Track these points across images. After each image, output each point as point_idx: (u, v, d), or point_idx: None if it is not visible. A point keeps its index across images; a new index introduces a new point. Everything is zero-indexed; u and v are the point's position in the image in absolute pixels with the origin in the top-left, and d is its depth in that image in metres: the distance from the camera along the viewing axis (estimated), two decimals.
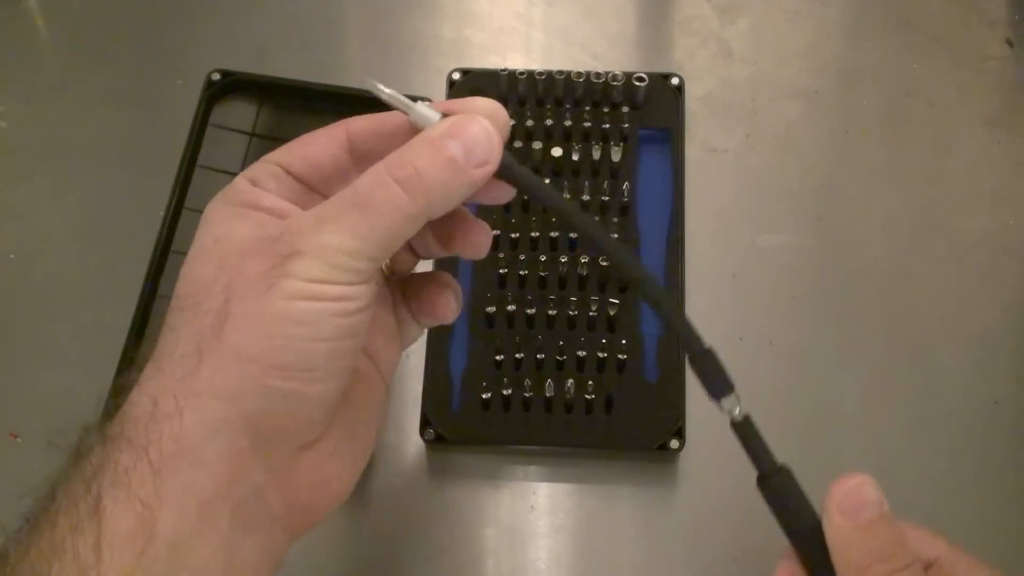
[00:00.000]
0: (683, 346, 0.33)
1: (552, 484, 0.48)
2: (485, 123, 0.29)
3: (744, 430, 0.32)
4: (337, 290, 0.27)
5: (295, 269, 0.27)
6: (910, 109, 0.57)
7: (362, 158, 0.31)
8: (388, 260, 0.34)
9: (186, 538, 0.26)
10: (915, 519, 0.47)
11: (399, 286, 0.36)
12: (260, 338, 0.27)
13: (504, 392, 0.47)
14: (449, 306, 0.35)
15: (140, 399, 0.27)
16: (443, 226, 0.33)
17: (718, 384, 0.33)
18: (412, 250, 0.35)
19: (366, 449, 0.33)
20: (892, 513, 0.32)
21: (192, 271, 0.29)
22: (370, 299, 0.29)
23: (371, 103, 0.56)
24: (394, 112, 0.31)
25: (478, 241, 0.33)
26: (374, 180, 0.28)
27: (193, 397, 0.27)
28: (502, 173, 0.30)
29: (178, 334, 0.28)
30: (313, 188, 0.32)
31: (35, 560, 0.25)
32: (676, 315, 0.32)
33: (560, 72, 0.54)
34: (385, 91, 0.30)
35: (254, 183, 0.31)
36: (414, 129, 0.30)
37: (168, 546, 0.25)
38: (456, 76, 0.56)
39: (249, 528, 0.28)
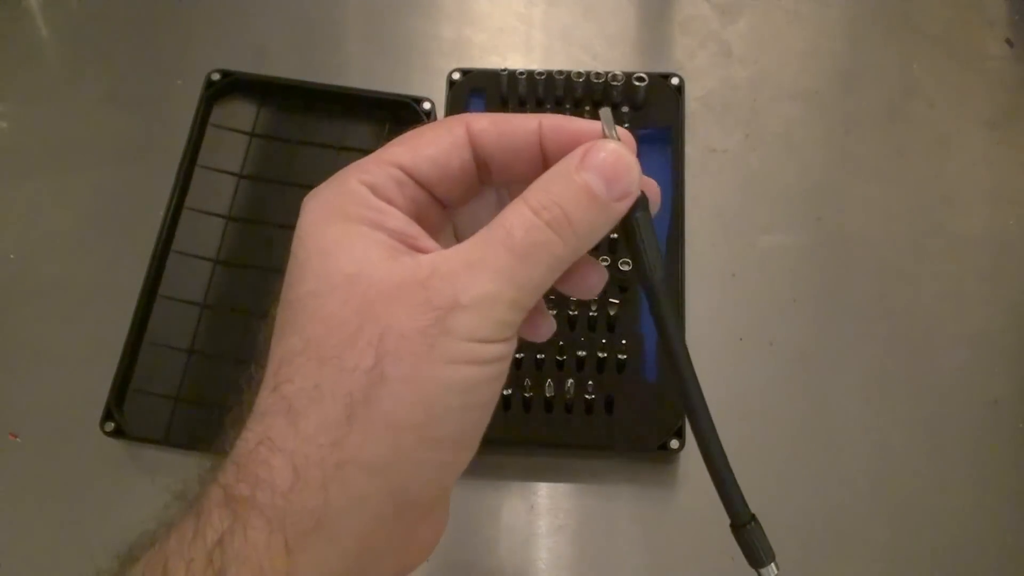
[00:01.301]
0: (728, 512, 0.31)
1: (552, 484, 0.48)
2: (621, 148, 0.26)
3: None
4: (497, 349, 0.25)
5: (457, 326, 0.24)
6: (910, 109, 0.57)
7: (483, 163, 0.28)
8: None
9: None
10: (915, 518, 0.47)
11: None
12: (418, 408, 0.24)
13: (504, 392, 0.47)
14: (547, 324, 0.31)
15: (276, 463, 0.24)
16: None
17: (760, 554, 0.31)
18: None
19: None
20: None
21: (325, 310, 0.25)
22: (513, 352, 0.26)
23: (371, 104, 0.56)
24: (520, 116, 0.28)
25: (591, 282, 0.29)
26: (527, 223, 0.25)
27: (340, 469, 0.24)
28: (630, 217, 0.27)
29: (322, 391, 0.24)
30: (435, 196, 0.28)
31: None
32: (727, 476, 0.31)
33: (560, 72, 0.54)
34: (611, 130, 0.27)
35: (375, 190, 0.26)
36: (541, 137, 0.27)
37: None
38: (456, 76, 0.56)
39: None
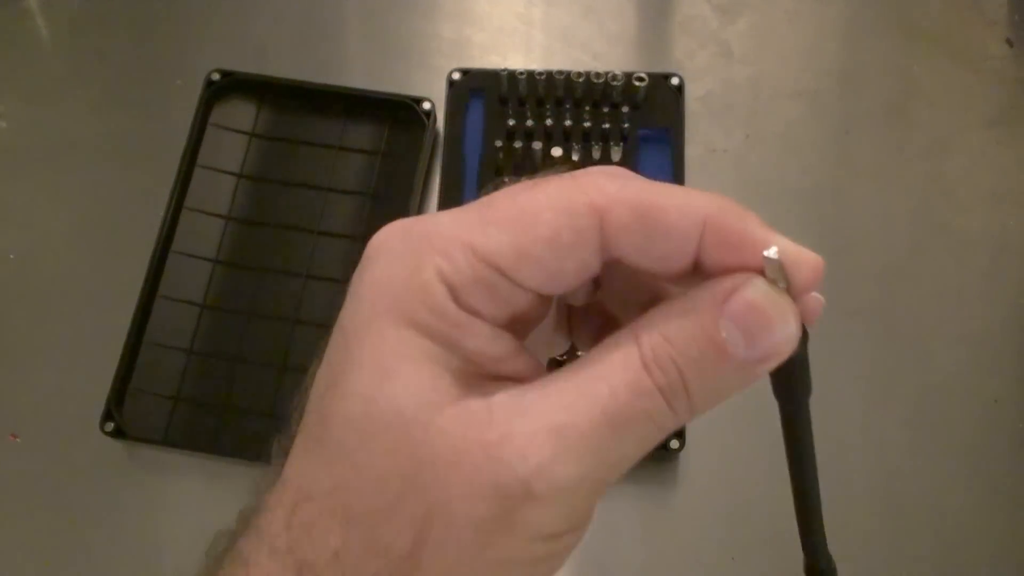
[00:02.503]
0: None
1: None
2: (782, 304, 0.19)
3: None
4: (571, 539, 0.20)
5: (525, 522, 0.18)
6: (910, 109, 0.57)
7: (616, 265, 0.20)
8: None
9: None
10: (915, 518, 0.47)
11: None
12: None
13: None
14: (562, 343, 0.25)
15: None
16: None
17: None
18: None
19: None
20: None
21: (362, 455, 0.19)
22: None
23: (371, 104, 0.56)
24: (674, 203, 0.19)
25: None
26: (635, 386, 0.19)
27: None
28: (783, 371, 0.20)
29: (342, 566, 0.19)
30: (534, 310, 0.21)
31: None
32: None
33: (560, 72, 0.54)
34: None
35: (455, 294, 0.19)
36: (704, 236, 0.19)
37: None
38: (456, 76, 0.56)
39: None
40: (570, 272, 0.19)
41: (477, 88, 0.55)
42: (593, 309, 0.24)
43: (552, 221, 0.19)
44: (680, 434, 0.47)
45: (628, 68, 0.55)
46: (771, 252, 0.18)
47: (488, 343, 0.20)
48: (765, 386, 0.49)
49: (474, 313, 0.19)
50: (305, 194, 0.54)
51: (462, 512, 0.18)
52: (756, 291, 0.18)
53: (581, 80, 0.54)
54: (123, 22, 0.61)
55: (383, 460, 0.19)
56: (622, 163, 0.53)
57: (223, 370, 0.50)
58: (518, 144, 0.53)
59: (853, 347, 0.51)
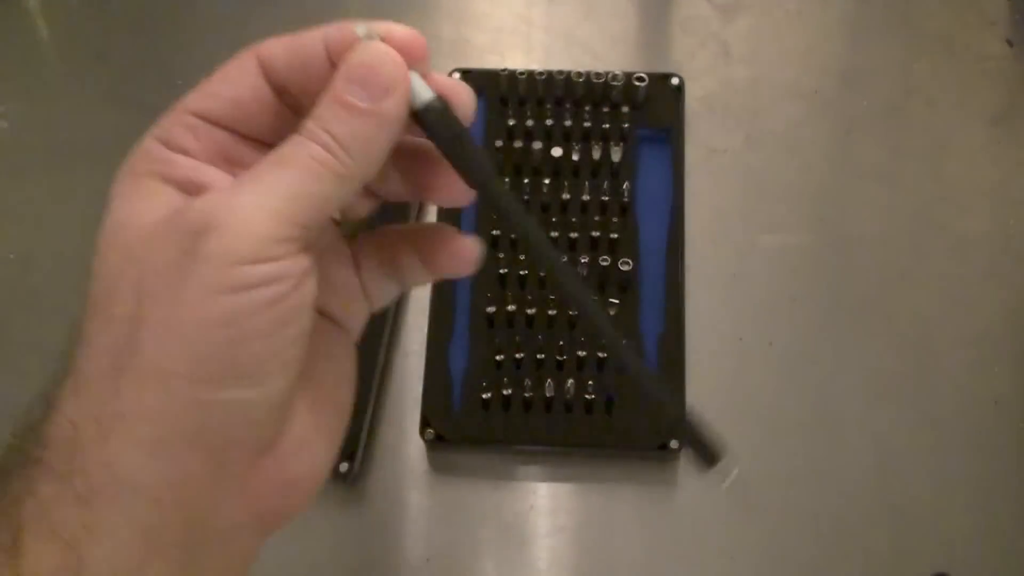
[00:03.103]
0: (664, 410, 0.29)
1: (552, 484, 0.48)
2: (378, 49, 0.24)
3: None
4: (264, 270, 0.22)
5: (211, 249, 0.22)
6: (910, 109, 0.57)
7: (284, 90, 0.26)
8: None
9: (126, 573, 0.23)
10: (915, 518, 0.47)
11: (367, 238, 0.30)
12: (180, 348, 0.22)
13: (504, 392, 0.47)
14: (471, 252, 0.29)
15: (60, 421, 0.23)
16: (411, 169, 0.28)
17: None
18: (372, 193, 0.29)
19: (341, 421, 0.28)
20: None
21: (97, 266, 0.24)
22: (304, 274, 0.24)
23: None
24: (307, 34, 0.26)
25: (462, 255, 0.28)
26: (292, 142, 0.24)
27: (117, 420, 0.23)
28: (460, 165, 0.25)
29: (92, 347, 0.24)
30: (243, 134, 0.26)
31: None
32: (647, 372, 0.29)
33: (560, 72, 0.54)
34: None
35: (167, 143, 0.25)
36: (328, 51, 0.25)
37: None
38: (456, 76, 0.56)
39: (209, 546, 0.24)
40: (250, 101, 0.25)
41: (477, 88, 0.55)
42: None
43: (225, 71, 0.26)
44: (680, 434, 0.47)
45: (628, 68, 0.55)
46: (360, 27, 0.25)
47: (196, 171, 0.25)
48: (765, 387, 0.49)
49: (182, 151, 0.25)
50: None
51: (161, 260, 0.22)
52: (356, 52, 0.24)
53: (581, 80, 0.54)
54: (123, 22, 0.61)
55: (107, 260, 0.24)
56: (622, 163, 0.53)
57: None
58: (518, 144, 0.53)
59: (853, 347, 0.51)
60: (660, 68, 0.57)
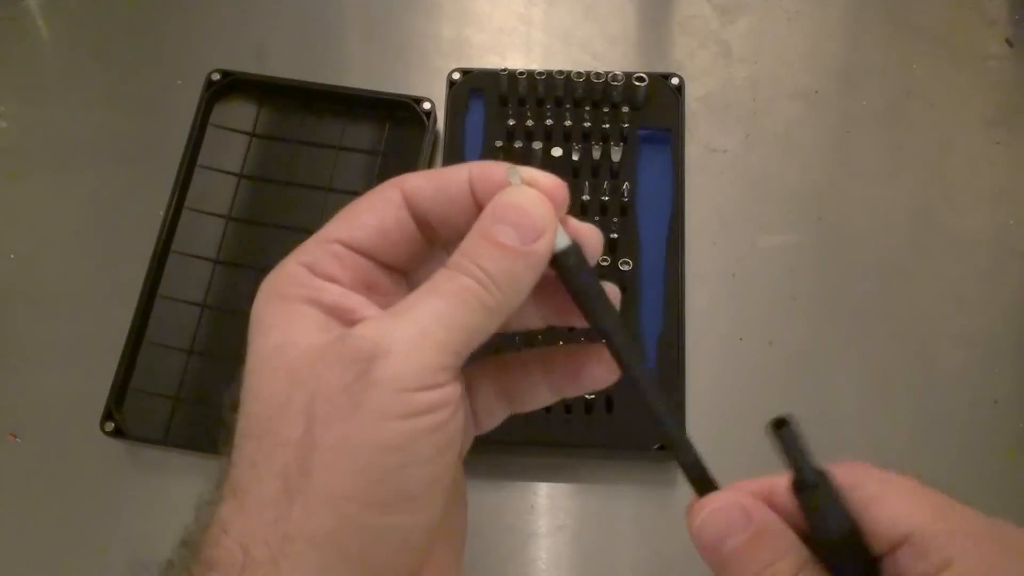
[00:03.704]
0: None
1: (552, 484, 0.48)
2: (529, 194, 0.26)
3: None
4: (430, 397, 0.24)
5: (381, 375, 0.23)
6: (910, 109, 0.57)
7: (425, 222, 0.27)
8: None
9: None
10: None
11: (483, 363, 0.30)
12: (352, 472, 0.23)
13: None
14: (610, 368, 0.29)
15: (226, 543, 0.23)
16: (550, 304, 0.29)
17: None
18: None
19: (463, 543, 0.30)
20: (763, 515, 0.26)
21: (259, 386, 0.24)
22: (460, 401, 0.25)
23: (371, 104, 0.56)
24: (452, 170, 0.27)
25: (600, 374, 0.29)
26: (445, 275, 0.25)
27: (287, 543, 0.23)
28: (558, 262, 0.26)
29: (259, 470, 0.24)
30: (382, 262, 0.27)
31: None
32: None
33: (560, 72, 0.54)
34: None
35: (312, 269, 0.26)
36: (471, 187, 0.27)
37: None
38: (456, 76, 0.56)
39: None
40: (393, 231, 0.27)
41: (477, 88, 0.55)
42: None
43: (369, 201, 0.27)
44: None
45: (628, 68, 0.55)
46: (512, 174, 0.26)
47: (344, 298, 0.26)
48: (765, 387, 0.49)
49: (329, 278, 0.26)
50: (305, 194, 0.54)
51: (332, 383, 0.23)
52: (507, 193, 0.26)
53: (581, 80, 0.54)
54: (123, 22, 0.61)
55: (271, 382, 0.24)
56: (622, 163, 0.53)
57: (223, 370, 0.50)
58: (518, 144, 0.53)
59: (853, 347, 0.51)
60: (660, 68, 0.58)
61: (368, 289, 0.27)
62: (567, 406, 0.48)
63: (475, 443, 0.48)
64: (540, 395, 0.30)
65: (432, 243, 0.28)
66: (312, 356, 0.24)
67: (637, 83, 0.54)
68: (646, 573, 0.47)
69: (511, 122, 0.54)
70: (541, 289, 0.27)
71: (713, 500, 0.27)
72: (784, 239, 0.54)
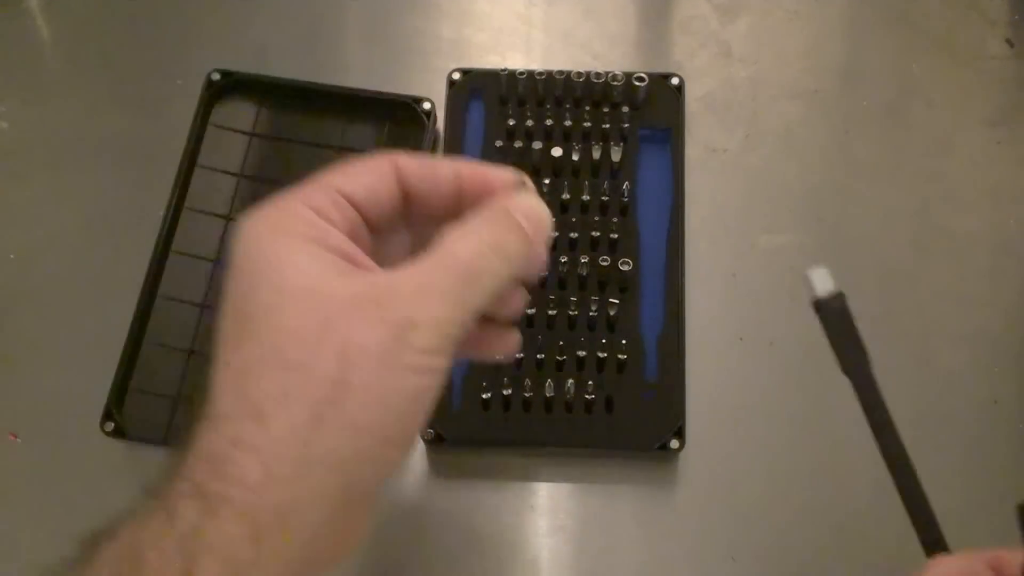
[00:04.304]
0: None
1: (552, 484, 0.48)
2: (538, 200, 0.31)
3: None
4: (443, 362, 0.28)
5: (415, 342, 0.27)
6: (910, 109, 0.57)
7: (407, 197, 0.32)
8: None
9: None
10: None
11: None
12: (379, 412, 0.27)
13: (504, 392, 0.47)
14: (516, 339, 0.35)
15: (246, 460, 0.26)
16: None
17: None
18: None
19: None
20: None
21: (284, 321, 0.27)
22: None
23: (371, 104, 0.56)
24: (445, 161, 0.32)
25: (516, 304, 0.34)
26: (473, 249, 0.29)
27: (307, 467, 0.26)
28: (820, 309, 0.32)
29: (289, 396, 0.26)
30: (366, 218, 0.31)
31: None
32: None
33: (560, 72, 0.54)
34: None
35: (318, 212, 0.29)
36: (460, 180, 0.31)
37: None
38: (456, 76, 0.56)
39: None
40: (382, 193, 0.31)
41: (477, 88, 0.55)
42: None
43: (367, 165, 0.31)
44: (680, 434, 0.47)
45: (628, 68, 0.55)
46: (525, 178, 0.31)
47: (346, 244, 0.29)
48: (765, 387, 0.49)
49: (331, 223, 0.29)
50: None
51: (369, 340, 0.27)
52: (525, 195, 0.31)
53: (581, 80, 0.54)
54: (123, 22, 0.61)
55: (301, 320, 0.27)
56: (622, 163, 0.53)
57: None
58: (518, 144, 0.53)
59: None
60: (660, 68, 0.58)
61: (355, 240, 0.30)
62: (568, 405, 0.48)
63: (475, 443, 0.48)
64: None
65: (405, 215, 0.32)
66: (345, 305, 0.27)
67: (637, 83, 0.54)
68: (646, 573, 0.47)
69: (511, 122, 0.54)
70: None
71: (946, 562, 0.31)
72: (784, 239, 0.54)
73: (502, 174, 0.31)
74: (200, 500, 0.26)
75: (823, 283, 0.29)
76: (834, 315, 0.30)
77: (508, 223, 0.30)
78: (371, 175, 0.31)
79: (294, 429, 0.26)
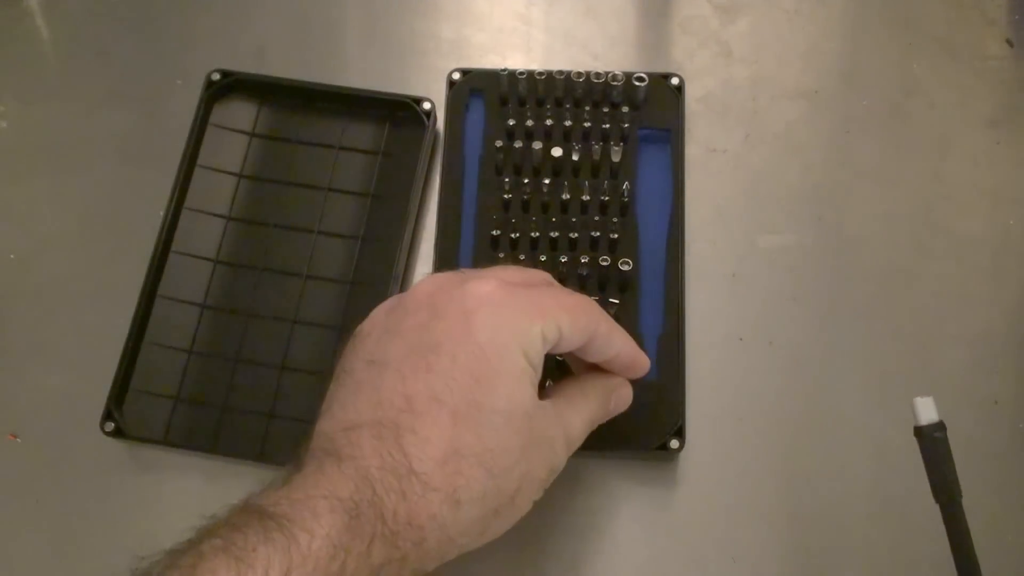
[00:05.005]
0: None
1: (552, 484, 0.48)
2: (630, 393, 0.44)
3: None
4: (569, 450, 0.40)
5: (564, 451, 0.39)
6: (910, 109, 0.57)
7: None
8: None
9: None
10: (914, 519, 0.47)
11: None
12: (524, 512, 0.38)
13: None
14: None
15: (418, 457, 0.34)
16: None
17: None
18: None
19: None
20: None
21: (509, 430, 0.36)
22: None
23: (371, 104, 0.56)
24: (631, 351, 0.43)
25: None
26: (582, 430, 0.41)
27: (460, 459, 0.35)
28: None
29: (491, 500, 0.35)
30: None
31: None
32: None
33: (560, 72, 0.54)
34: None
35: (545, 345, 0.38)
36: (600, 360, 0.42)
37: None
38: (456, 76, 0.56)
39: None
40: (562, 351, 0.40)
41: (477, 88, 0.55)
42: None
43: (588, 319, 0.40)
44: (680, 434, 0.47)
45: (628, 68, 0.55)
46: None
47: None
48: (765, 387, 0.49)
49: (539, 369, 0.38)
50: (305, 194, 0.54)
51: (539, 476, 0.38)
52: (627, 390, 0.44)
53: (581, 80, 0.54)
54: (123, 22, 0.61)
55: (516, 437, 0.36)
56: (622, 163, 0.53)
57: (223, 370, 0.50)
58: (518, 144, 0.53)
59: (853, 347, 0.51)
60: (660, 68, 0.58)
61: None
62: None
63: None
64: None
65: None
66: (538, 438, 0.37)
67: (637, 83, 0.54)
68: (646, 573, 0.47)
69: (511, 122, 0.54)
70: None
71: None
72: (784, 239, 0.54)
73: (644, 367, 0.43)
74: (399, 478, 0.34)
75: (927, 412, 0.33)
76: (933, 444, 0.34)
77: (606, 410, 0.42)
78: (583, 335, 0.39)
79: (480, 519, 0.36)
